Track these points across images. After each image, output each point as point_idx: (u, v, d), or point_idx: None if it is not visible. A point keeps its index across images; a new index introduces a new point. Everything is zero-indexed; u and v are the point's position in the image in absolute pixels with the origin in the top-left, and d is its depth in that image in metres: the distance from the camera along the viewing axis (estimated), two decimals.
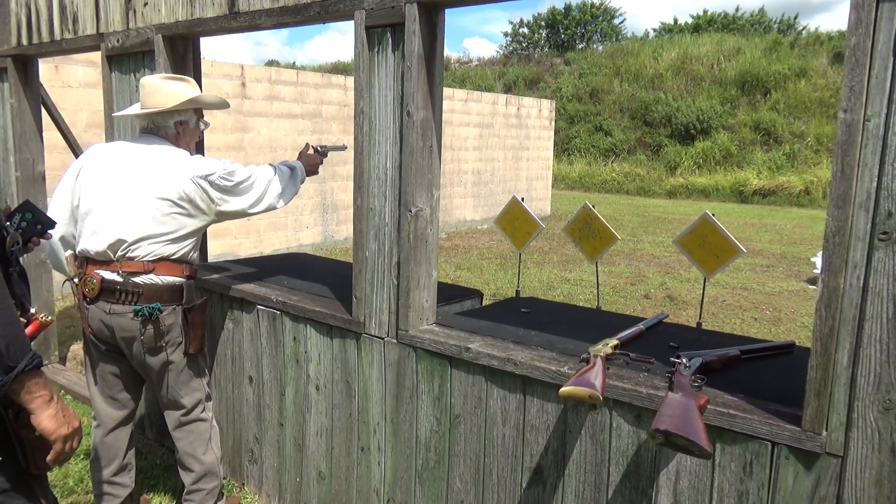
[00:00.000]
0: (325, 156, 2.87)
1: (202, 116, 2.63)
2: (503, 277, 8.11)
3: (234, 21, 2.66)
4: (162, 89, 2.44)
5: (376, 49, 2.25)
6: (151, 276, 2.33)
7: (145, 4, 3.02)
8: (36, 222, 1.83)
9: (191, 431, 2.52)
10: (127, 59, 3.18)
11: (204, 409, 2.56)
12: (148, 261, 2.32)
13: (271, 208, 2.56)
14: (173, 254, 2.36)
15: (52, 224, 1.87)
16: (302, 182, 2.71)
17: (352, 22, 2.34)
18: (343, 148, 2.99)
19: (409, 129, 2.17)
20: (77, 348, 4.59)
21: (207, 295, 2.86)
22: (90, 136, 6.92)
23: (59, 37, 3.56)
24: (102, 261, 2.33)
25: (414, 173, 2.19)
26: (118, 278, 2.31)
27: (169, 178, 2.34)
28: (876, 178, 1.41)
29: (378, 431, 2.42)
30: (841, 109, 1.43)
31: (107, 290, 2.31)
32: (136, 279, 2.31)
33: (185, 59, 3.05)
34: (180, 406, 2.49)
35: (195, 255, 2.49)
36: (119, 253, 2.31)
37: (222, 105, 2.67)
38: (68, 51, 3.63)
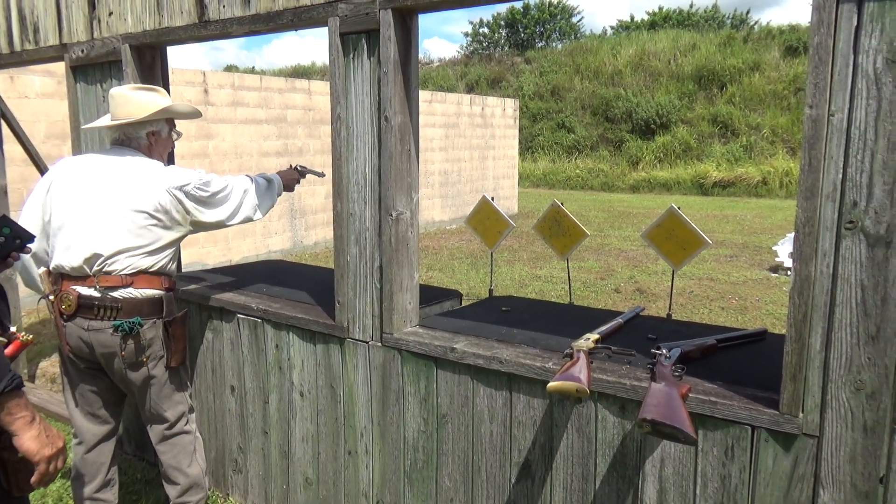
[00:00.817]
0: (304, 176, 2.91)
1: (174, 126, 2.61)
2: (475, 277, 8.17)
3: (205, 29, 2.64)
4: (133, 100, 2.41)
5: (351, 55, 2.26)
6: (130, 289, 2.30)
7: (110, 14, 2.98)
8: (14, 237, 1.80)
9: (175, 444, 2.50)
10: (92, 69, 3.13)
11: (187, 422, 2.54)
12: (126, 274, 2.29)
13: (248, 220, 2.56)
14: (151, 266, 2.34)
15: (31, 238, 1.84)
16: (279, 195, 2.72)
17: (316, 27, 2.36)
18: (321, 174, 3.02)
19: (387, 134, 2.20)
20: (46, 365, 4.49)
21: (185, 305, 2.83)
22: (49, 147, 6.76)
23: (19, 48, 3.48)
24: (78, 276, 2.29)
25: (393, 177, 2.21)
26: (95, 293, 2.28)
27: (144, 189, 2.31)
28: (841, 170, 1.49)
29: (365, 435, 2.44)
30: (807, 105, 1.50)
31: (84, 306, 2.27)
32: (115, 293, 2.28)
33: (152, 68, 3.02)
34: (164, 420, 2.47)
35: (173, 267, 2.47)
36: (95, 267, 2.27)
37: (194, 114, 2.65)
38: (29, 62, 3.55)
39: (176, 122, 2.64)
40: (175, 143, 2.72)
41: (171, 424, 2.48)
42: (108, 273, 2.28)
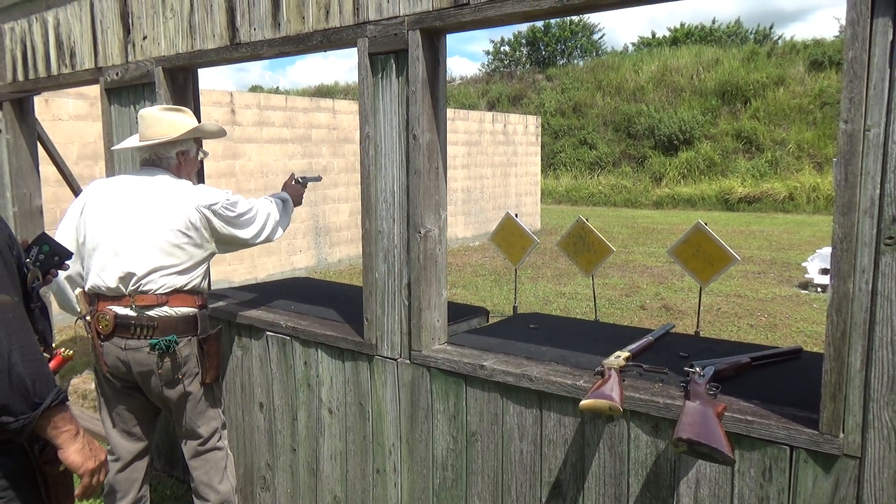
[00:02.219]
0: (305, 186, 2.97)
1: (201, 146, 2.67)
2: (499, 293, 8.14)
3: (236, 52, 2.70)
4: (163, 120, 2.46)
5: (380, 75, 2.29)
6: (165, 308, 2.34)
7: (144, 38, 3.06)
8: (53, 254, 1.84)
9: (207, 460, 2.52)
10: (126, 91, 3.21)
11: (220, 438, 2.56)
12: (161, 293, 2.33)
13: (269, 240, 2.62)
14: (185, 285, 2.37)
15: (69, 255, 1.88)
16: (291, 212, 2.78)
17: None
18: (318, 179, 3.14)
19: (415, 152, 2.21)
20: (77, 382, 4.56)
21: (217, 323, 2.86)
22: (81, 168, 6.92)
23: (56, 72, 3.58)
24: (114, 296, 2.33)
25: (422, 195, 2.22)
26: (132, 313, 2.32)
27: (175, 208, 2.36)
28: (879, 186, 1.47)
29: (393, 452, 2.43)
30: (842, 120, 1.49)
31: (121, 326, 2.31)
32: (150, 312, 2.32)
33: (184, 89, 3.09)
34: (197, 436, 2.49)
35: (205, 285, 2.51)
36: (131, 287, 2.31)
37: (220, 133, 2.70)
38: (65, 85, 3.65)
39: (203, 141, 2.70)
40: (202, 162, 2.78)
41: (204, 440, 2.50)
42: (144, 292, 2.32)
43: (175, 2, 2.91)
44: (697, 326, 4.01)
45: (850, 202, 1.49)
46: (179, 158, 2.53)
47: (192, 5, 2.85)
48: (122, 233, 2.34)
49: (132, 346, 2.31)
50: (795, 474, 1.62)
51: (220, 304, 3.02)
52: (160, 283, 2.33)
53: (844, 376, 1.53)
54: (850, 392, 1.53)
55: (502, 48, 33.78)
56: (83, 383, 4.58)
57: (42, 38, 3.63)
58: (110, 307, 2.32)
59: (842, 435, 1.54)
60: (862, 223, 1.49)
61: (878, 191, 1.47)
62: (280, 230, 2.66)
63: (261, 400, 2.88)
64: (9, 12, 3.81)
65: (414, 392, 2.34)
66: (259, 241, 2.57)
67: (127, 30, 3.15)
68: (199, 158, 2.67)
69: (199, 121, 2.70)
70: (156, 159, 2.51)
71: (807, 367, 2.02)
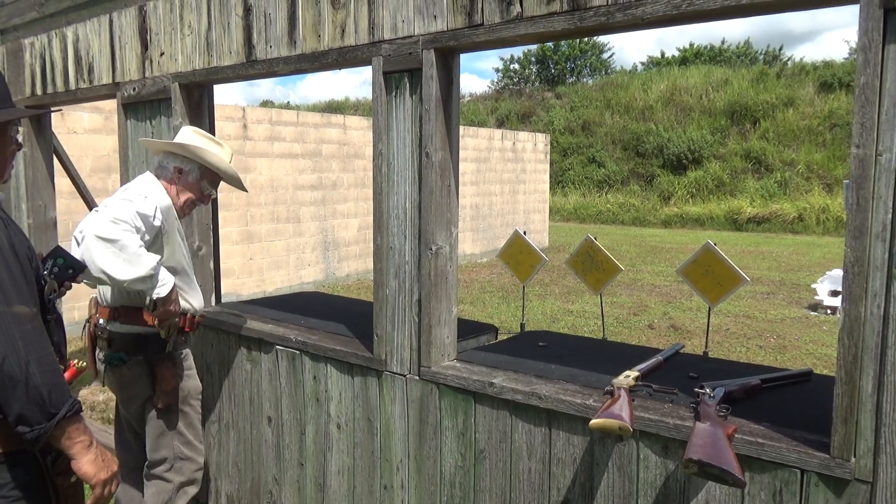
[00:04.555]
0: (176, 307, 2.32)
1: (213, 181, 2.56)
2: (506, 310, 8.14)
3: (252, 69, 2.74)
4: (183, 135, 2.50)
5: (394, 93, 2.32)
6: (117, 323, 2.25)
7: (162, 54, 3.11)
8: (67, 267, 1.87)
9: (150, 486, 2.43)
10: (142, 106, 3.26)
11: (170, 470, 2.43)
12: (114, 306, 2.23)
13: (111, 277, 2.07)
14: (128, 300, 2.25)
15: (82, 268, 1.90)
16: (153, 285, 2.12)
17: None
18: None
19: (427, 170, 2.23)
20: (86, 393, 4.58)
21: (223, 338, 2.88)
22: (94, 180, 7.00)
23: (73, 86, 3.64)
24: (99, 304, 2.31)
25: (434, 212, 2.24)
26: (101, 323, 2.27)
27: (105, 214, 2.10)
28: (891, 210, 1.47)
29: (401, 469, 2.43)
30: (853, 145, 1.50)
31: (95, 337, 2.28)
32: (109, 326, 2.25)
33: (200, 105, 3.13)
34: (150, 458, 2.42)
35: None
36: (101, 296, 2.26)
37: (233, 179, 2.56)
38: (83, 99, 3.71)
39: (222, 184, 2.65)
40: (206, 198, 2.60)
41: (152, 464, 2.43)
42: (105, 303, 2.24)
43: (193, 19, 2.96)
44: (706, 347, 4.00)
45: (861, 226, 1.49)
46: (175, 173, 2.47)
47: (209, 23, 2.89)
48: None
49: (99, 358, 2.28)
50: (806, 498, 1.61)
51: (231, 317, 3.04)
52: (111, 295, 2.23)
53: (856, 400, 1.53)
54: (862, 416, 1.53)
55: (512, 66, 34.00)
56: (91, 395, 4.60)
57: (61, 54, 3.70)
58: (96, 315, 2.29)
59: (853, 459, 1.54)
60: (874, 247, 1.49)
61: (889, 215, 1.47)
62: (117, 270, 1.99)
63: (269, 414, 2.89)
64: (29, 28, 3.88)
65: (423, 408, 2.34)
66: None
67: (145, 46, 3.20)
68: (201, 189, 2.53)
69: (216, 138, 2.69)
70: (159, 167, 2.51)
71: (817, 390, 2.01)
